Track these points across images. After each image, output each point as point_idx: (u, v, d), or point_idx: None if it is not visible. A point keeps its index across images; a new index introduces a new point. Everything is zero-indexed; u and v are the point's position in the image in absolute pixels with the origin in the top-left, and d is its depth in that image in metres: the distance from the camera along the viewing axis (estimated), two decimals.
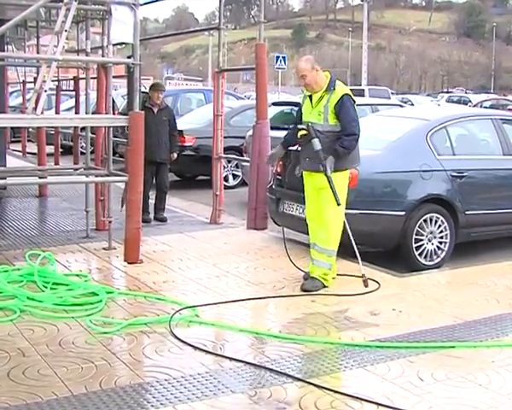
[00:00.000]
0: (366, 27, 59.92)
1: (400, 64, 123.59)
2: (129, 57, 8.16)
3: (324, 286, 7.02)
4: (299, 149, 7.31)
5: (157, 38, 26.10)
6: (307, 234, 7.56)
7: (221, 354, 5.24)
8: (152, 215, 10.50)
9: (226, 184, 13.43)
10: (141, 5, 8.15)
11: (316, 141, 6.88)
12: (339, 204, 6.86)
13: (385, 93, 36.99)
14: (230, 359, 5.13)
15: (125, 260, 7.88)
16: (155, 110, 10.34)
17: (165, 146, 10.48)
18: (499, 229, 8.95)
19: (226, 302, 6.47)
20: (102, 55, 9.83)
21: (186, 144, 14.32)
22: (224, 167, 13.39)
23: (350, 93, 7.05)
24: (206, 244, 8.84)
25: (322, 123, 6.94)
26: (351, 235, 6.95)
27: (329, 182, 6.83)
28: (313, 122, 6.98)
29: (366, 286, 6.88)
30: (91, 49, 10.28)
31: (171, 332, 5.63)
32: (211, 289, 6.90)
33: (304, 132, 7.05)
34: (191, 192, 13.88)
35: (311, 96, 7.11)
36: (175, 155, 10.85)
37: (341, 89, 7.01)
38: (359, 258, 6.99)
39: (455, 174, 8.44)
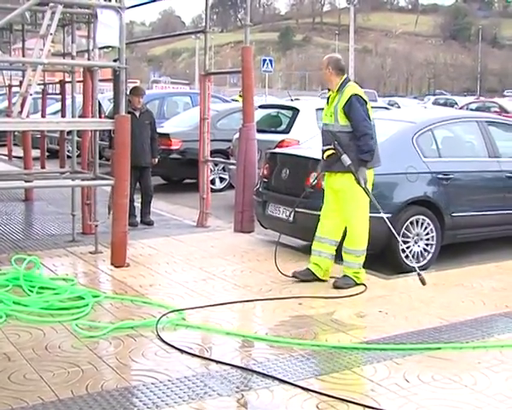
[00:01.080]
0: (352, 30, 60.19)
1: (387, 67, 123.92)
2: (115, 61, 8.14)
3: (357, 284, 7.13)
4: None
5: (144, 41, 26.15)
6: (293, 236, 7.61)
7: (208, 358, 5.23)
8: (138, 219, 10.45)
9: (213, 187, 13.42)
10: (126, 8, 8.13)
11: (345, 157, 6.98)
12: (379, 212, 7.13)
13: (371, 96, 37.07)
14: (217, 362, 5.13)
15: (111, 264, 7.86)
16: (137, 114, 10.27)
17: (148, 150, 10.50)
18: (485, 231, 8.99)
19: (213, 305, 6.46)
20: (88, 59, 9.81)
21: (172, 148, 14.33)
22: (211, 170, 13.39)
23: (360, 93, 7.11)
24: (193, 247, 8.84)
25: (333, 123, 7.11)
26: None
27: (367, 193, 7.05)
28: (326, 123, 7.18)
29: (424, 284, 6.97)
30: (78, 52, 10.27)
31: (158, 336, 5.62)
32: (197, 293, 6.90)
33: (331, 152, 7.10)
34: (178, 195, 13.86)
35: (328, 99, 7.29)
36: (156, 160, 10.87)
37: (350, 89, 7.10)
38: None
39: (441, 176, 8.47)
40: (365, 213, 7.16)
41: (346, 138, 7.01)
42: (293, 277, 7.36)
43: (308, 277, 7.30)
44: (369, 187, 7.12)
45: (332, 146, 7.04)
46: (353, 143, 6.99)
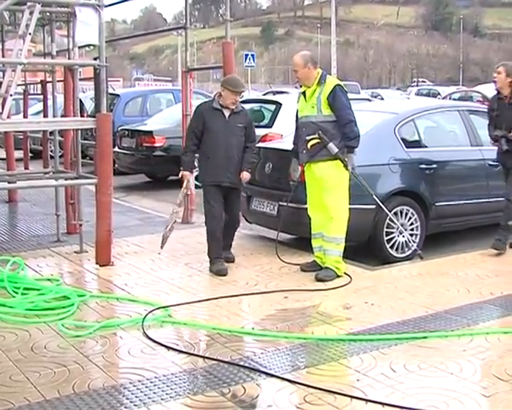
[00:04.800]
0: (334, 23, 60.08)
1: (369, 59, 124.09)
2: (95, 59, 8.11)
3: (337, 276, 7.19)
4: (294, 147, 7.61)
5: (125, 38, 25.99)
6: (278, 230, 7.65)
7: (194, 354, 5.23)
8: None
9: (197, 183, 13.37)
10: (106, 6, 8.12)
11: (331, 145, 7.12)
12: (371, 193, 7.61)
13: (354, 88, 37.15)
14: (204, 357, 5.13)
15: (96, 263, 7.85)
16: (226, 114, 7.63)
17: (237, 163, 7.63)
18: (469, 219, 9.03)
19: (199, 301, 6.46)
20: (69, 58, 9.77)
21: (156, 145, 14.30)
22: (196, 167, 13.37)
23: (341, 84, 7.31)
24: (179, 244, 8.82)
25: (315, 114, 7.19)
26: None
27: (357, 178, 7.41)
28: (307, 115, 7.26)
29: (422, 258, 7.62)
30: (59, 51, 10.21)
31: (144, 333, 5.62)
32: (183, 289, 6.90)
33: (315, 141, 7.19)
34: (163, 193, 13.82)
35: (304, 93, 7.34)
36: (246, 175, 7.69)
37: (332, 80, 7.33)
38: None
39: (424, 166, 8.50)
40: (346, 201, 7.26)
41: (330, 127, 7.15)
42: (301, 270, 7.49)
43: (315, 268, 7.42)
44: (347, 175, 7.28)
45: (316, 135, 7.12)
46: (337, 132, 7.14)
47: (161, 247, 7.91)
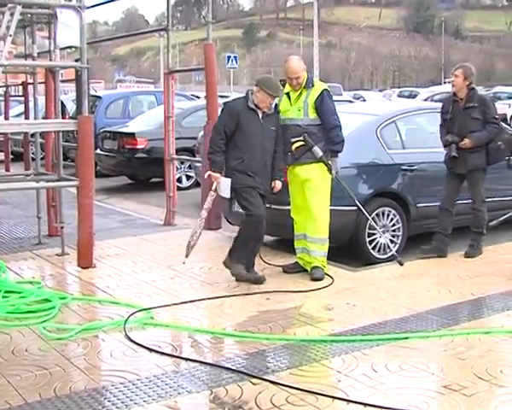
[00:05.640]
0: (317, 25, 60.26)
1: (351, 61, 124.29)
2: (77, 61, 8.09)
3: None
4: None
5: (106, 40, 26.09)
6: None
7: (177, 355, 5.23)
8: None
9: (180, 185, 13.41)
10: (87, 8, 8.09)
11: (316, 149, 7.15)
12: (352, 198, 7.59)
13: (337, 90, 37.23)
14: (186, 359, 5.13)
15: (78, 266, 7.82)
16: (260, 115, 7.12)
17: (269, 170, 7.20)
18: (454, 220, 9.05)
19: (181, 303, 6.46)
20: (50, 60, 9.73)
21: (138, 147, 14.28)
22: (178, 169, 13.39)
23: (328, 89, 7.31)
24: (160, 246, 8.82)
25: (302, 118, 7.19)
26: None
27: (340, 183, 7.41)
28: (293, 118, 7.23)
29: (401, 264, 7.48)
30: (40, 53, 10.17)
31: (126, 335, 5.61)
32: (165, 291, 6.89)
33: (300, 144, 7.19)
34: (145, 195, 13.81)
35: (288, 94, 7.31)
36: (279, 185, 7.28)
37: (320, 84, 7.32)
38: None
39: (405, 168, 8.54)
40: (328, 203, 7.30)
41: (315, 131, 7.18)
42: (284, 272, 7.52)
43: (297, 269, 7.49)
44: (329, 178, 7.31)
45: (302, 138, 7.15)
46: (322, 135, 7.17)
47: (186, 256, 7.17)
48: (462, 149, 7.98)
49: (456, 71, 8.08)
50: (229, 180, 7.00)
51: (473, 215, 8.23)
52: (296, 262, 7.57)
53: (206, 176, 7.19)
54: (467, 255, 8.12)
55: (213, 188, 7.07)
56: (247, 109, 7.02)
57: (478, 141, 7.98)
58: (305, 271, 7.42)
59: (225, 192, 7.09)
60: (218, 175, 7.00)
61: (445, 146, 8.16)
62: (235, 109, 7.06)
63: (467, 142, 7.94)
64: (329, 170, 7.18)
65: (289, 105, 7.30)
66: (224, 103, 7.53)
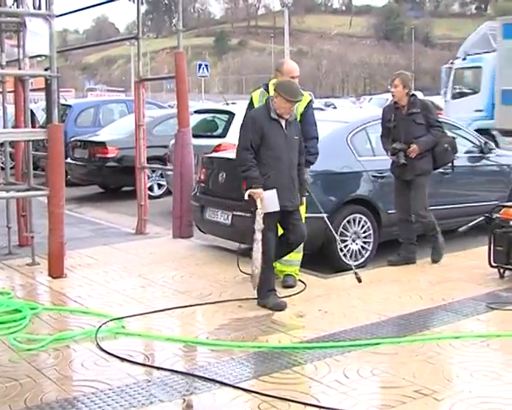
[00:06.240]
0: (288, 33, 60.36)
1: (322, 68, 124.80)
2: (46, 69, 8.05)
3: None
4: None
5: (77, 48, 25.96)
6: (232, 240, 7.64)
7: (149, 365, 5.21)
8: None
9: (151, 193, 13.39)
10: (56, 16, 8.06)
11: None
12: (321, 212, 7.27)
13: None
14: (158, 368, 5.12)
15: (49, 275, 7.77)
16: (283, 124, 6.62)
17: (296, 183, 6.74)
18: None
19: (152, 312, 6.44)
20: (19, 68, 9.66)
21: (109, 156, 14.25)
22: (149, 177, 13.35)
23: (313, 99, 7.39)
24: (132, 255, 8.79)
25: None
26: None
27: (309, 193, 7.22)
28: None
29: (360, 282, 7.02)
30: (9, 61, 10.09)
31: (98, 345, 5.58)
32: (137, 300, 6.86)
33: None
34: (116, 204, 13.76)
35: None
36: (304, 200, 7.06)
37: (307, 94, 7.27)
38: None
39: (376, 175, 8.60)
40: (304, 211, 7.21)
41: None
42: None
43: None
44: None
45: None
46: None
47: (254, 288, 6.55)
48: (409, 156, 8.01)
49: (394, 81, 8.08)
50: (274, 191, 6.43)
51: (419, 223, 8.22)
52: None
53: (246, 196, 6.49)
54: (433, 261, 8.18)
55: (259, 206, 6.40)
56: (270, 120, 6.51)
57: (425, 146, 8.01)
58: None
59: (273, 206, 6.46)
60: (260, 190, 6.39)
61: (392, 154, 8.13)
62: (259, 122, 6.51)
63: (415, 148, 7.94)
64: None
65: None
66: (245, 114, 7.08)
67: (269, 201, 6.42)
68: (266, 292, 6.56)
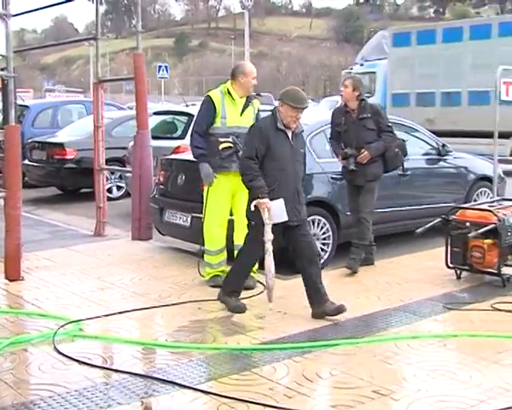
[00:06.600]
0: (248, 35, 60.38)
1: (282, 70, 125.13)
2: (2, 70, 7.95)
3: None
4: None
5: (35, 48, 25.68)
6: (191, 242, 7.61)
7: (107, 367, 5.18)
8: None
9: (110, 195, 13.31)
10: (13, 16, 7.97)
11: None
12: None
13: (268, 99, 37.36)
14: (116, 371, 5.08)
15: (5, 278, 7.67)
16: (290, 135, 6.45)
17: (301, 196, 6.59)
18: (379, 228, 9.18)
19: (111, 315, 6.39)
20: None
21: (67, 157, 14.12)
22: (108, 179, 13.27)
23: None
24: (90, 257, 8.72)
25: (247, 126, 6.96)
26: None
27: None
28: (245, 127, 6.84)
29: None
30: None
31: (55, 348, 5.52)
32: (95, 303, 6.81)
33: (228, 145, 7.11)
34: (74, 205, 13.65)
35: (233, 99, 7.22)
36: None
37: (256, 101, 7.46)
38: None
39: (335, 176, 8.63)
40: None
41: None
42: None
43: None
44: None
45: (230, 139, 7.13)
46: None
47: (269, 300, 6.38)
48: (360, 162, 8.03)
49: (345, 82, 8.12)
50: (281, 201, 6.23)
51: (358, 225, 8.15)
52: (218, 275, 7.35)
53: (252, 208, 6.28)
54: (348, 266, 7.95)
55: (265, 216, 6.20)
56: (276, 130, 6.35)
57: (376, 151, 8.02)
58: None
59: (281, 216, 6.24)
60: (266, 200, 6.20)
61: (343, 159, 8.14)
62: (264, 131, 6.35)
63: (366, 154, 7.95)
64: None
65: (236, 111, 7.18)
66: (251, 125, 6.72)
67: (276, 209, 6.23)
68: (232, 291, 6.56)
